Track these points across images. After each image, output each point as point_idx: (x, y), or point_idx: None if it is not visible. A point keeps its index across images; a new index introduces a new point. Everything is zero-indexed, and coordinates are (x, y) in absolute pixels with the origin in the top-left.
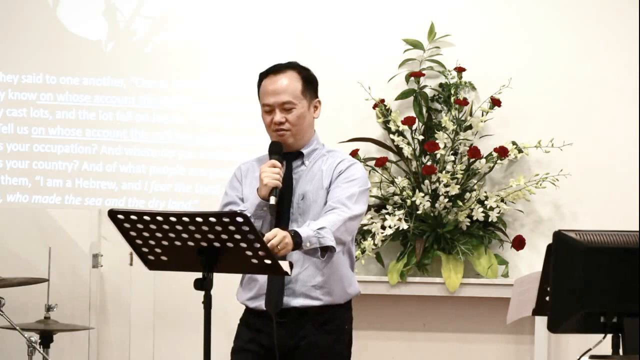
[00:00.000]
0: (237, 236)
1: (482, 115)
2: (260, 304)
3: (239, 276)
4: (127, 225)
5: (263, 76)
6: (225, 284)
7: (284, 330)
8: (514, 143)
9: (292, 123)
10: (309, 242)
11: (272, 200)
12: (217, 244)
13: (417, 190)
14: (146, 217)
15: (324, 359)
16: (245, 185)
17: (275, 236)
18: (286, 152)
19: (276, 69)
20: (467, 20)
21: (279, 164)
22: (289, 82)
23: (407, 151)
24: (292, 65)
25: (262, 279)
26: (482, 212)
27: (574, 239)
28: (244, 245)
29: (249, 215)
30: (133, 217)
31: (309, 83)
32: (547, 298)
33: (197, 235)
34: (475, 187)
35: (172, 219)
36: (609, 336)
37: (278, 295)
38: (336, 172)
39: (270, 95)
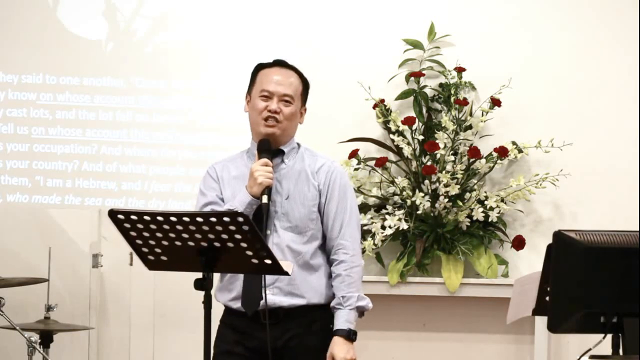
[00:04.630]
0: (238, 236)
1: (482, 115)
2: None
3: None
4: (127, 225)
5: (266, 65)
6: None
7: (272, 331)
8: (514, 143)
9: (285, 116)
10: (353, 323)
11: (265, 198)
12: (217, 244)
13: (417, 190)
14: (146, 217)
15: (314, 359)
16: (224, 186)
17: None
18: None
19: (283, 64)
20: (467, 20)
21: (270, 163)
22: (295, 80)
23: (407, 151)
24: (295, 68)
25: (242, 278)
26: (482, 212)
27: (574, 239)
28: (244, 245)
29: None
30: (133, 217)
31: (306, 90)
32: (547, 298)
33: (198, 235)
34: (475, 187)
35: (173, 219)
36: (609, 336)
37: (255, 294)
38: (326, 181)
39: (274, 84)
